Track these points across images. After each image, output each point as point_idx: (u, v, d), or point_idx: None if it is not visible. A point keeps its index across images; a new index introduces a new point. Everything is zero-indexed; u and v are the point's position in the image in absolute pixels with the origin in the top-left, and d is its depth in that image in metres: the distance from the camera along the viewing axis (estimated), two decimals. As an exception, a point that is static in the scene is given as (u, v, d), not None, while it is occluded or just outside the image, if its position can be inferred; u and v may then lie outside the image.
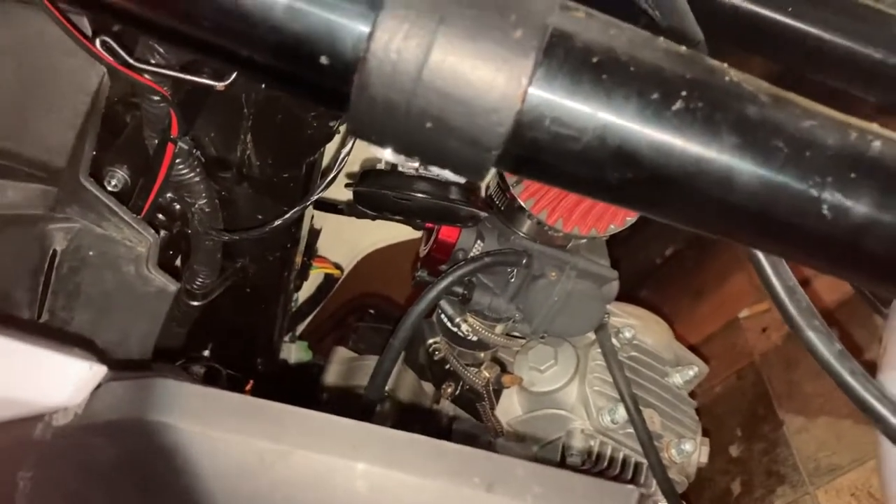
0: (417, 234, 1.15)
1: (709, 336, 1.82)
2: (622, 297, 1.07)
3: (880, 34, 0.81)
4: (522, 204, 0.91)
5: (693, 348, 1.59)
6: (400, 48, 0.37)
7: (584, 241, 0.98)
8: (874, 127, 0.42)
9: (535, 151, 0.39)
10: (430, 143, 0.39)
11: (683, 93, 0.38)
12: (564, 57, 0.38)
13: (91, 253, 0.67)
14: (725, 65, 0.40)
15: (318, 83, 0.40)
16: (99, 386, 0.44)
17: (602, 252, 1.03)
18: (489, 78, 0.37)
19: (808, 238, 0.41)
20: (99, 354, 0.49)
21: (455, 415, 1.20)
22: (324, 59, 0.38)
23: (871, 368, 0.85)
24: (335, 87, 0.39)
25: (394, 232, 1.28)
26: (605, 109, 0.38)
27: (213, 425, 0.45)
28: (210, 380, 1.02)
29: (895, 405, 0.62)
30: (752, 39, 0.85)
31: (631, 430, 1.06)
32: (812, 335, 0.63)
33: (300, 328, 1.43)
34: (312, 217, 1.17)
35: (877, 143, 0.40)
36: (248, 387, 1.08)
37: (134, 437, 0.43)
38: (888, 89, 0.82)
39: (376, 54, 0.37)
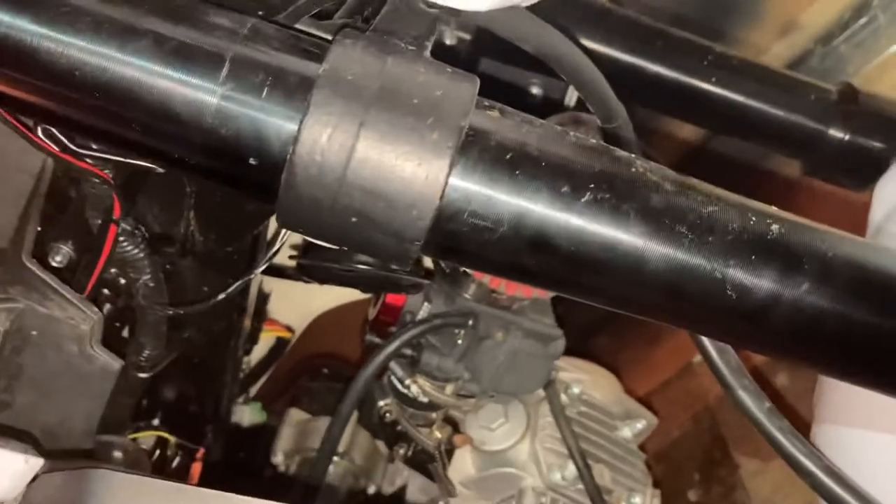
0: (367, 294, 1.17)
1: (664, 382, 1.84)
2: (579, 345, 1.08)
3: (799, 100, 0.86)
4: (465, 269, 0.93)
5: (650, 394, 1.60)
6: (324, 150, 0.39)
7: (528, 302, 1.01)
8: (773, 210, 0.45)
9: (456, 241, 0.41)
10: (356, 236, 0.41)
11: (591, 185, 0.41)
12: (479, 154, 0.40)
13: (34, 333, 0.67)
14: (632, 156, 0.43)
15: (248, 180, 0.42)
16: (35, 477, 0.44)
17: (546, 311, 1.05)
18: (409, 176, 0.39)
19: (716, 317, 0.43)
20: (36, 442, 0.49)
21: (409, 475, 1.20)
22: (252, 161, 0.40)
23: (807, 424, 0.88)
24: (264, 183, 0.41)
25: (344, 293, 1.29)
26: (519, 201, 0.40)
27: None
28: (158, 451, 1.01)
29: (821, 461, 0.65)
30: (679, 106, 0.89)
31: (581, 485, 1.07)
32: (742, 394, 0.65)
33: (253, 389, 1.43)
34: (262, 281, 1.18)
35: (775, 226, 0.43)
36: (200, 454, 1.08)
37: (71, 528, 0.43)
38: (809, 151, 0.87)
39: (302, 156, 0.39)
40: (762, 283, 0.42)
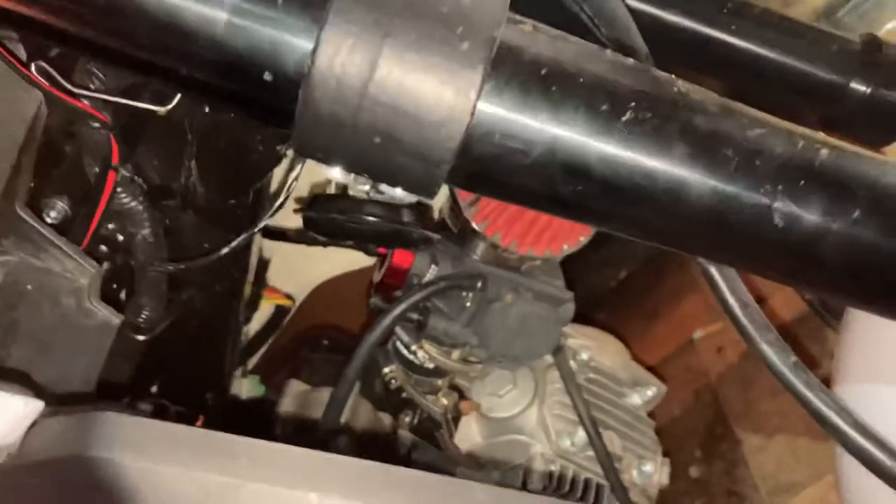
0: (371, 261, 1.14)
1: (665, 358, 1.83)
2: (577, 319, 1.06)
3: (820, 52, 0.83)
4: (476, 227, 0.90)
5: (650, 370, 1.59)
6: (345, 63, 0.36)
7: (539, 262, 0.98)
8: (820, 136, 0.42)
9: (486, 166, 0.39)
10: (379, 159, 0.38)
11: (632, 104, 0.38)
12: (513, 70, 0.37)
13: (29, 287, 0.64)
14: (673, 76, 0.40)
15: (263, 100, 0.39)
16: (35, 423, 0.42)
17: (557, 273, 1.02)
18: (437, 92, 0.36)
19: (760, 247, 0.41)
20: (36, 390, 0.46)
21: (414, 444, 1.18)
22: (267, 76, 0.37)
23: (826, 383, 0.86)
24: (280, 103, 0.38)
25: (346, 260, 1.26)
26: (554, 122, 0.38)
27: (159, 459, 0.43)
28: (158, 417, 0.98)
29: (850, 416, 0.62)
30: (697, 58, 0.86)
31: (591, 452, 1.05)
32: (767, 348, 0.62)
33: (252, 362, 1.40)
34: (262, 247, 1.15)
35: (824, 151, 0.40)
36: (199, 423, 1.05)
37: (74, 475, 0.41)
38: (829, 105, 0.84)
39: (320, 70, 0.36)
40: (811, 211, 0.39)
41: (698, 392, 1.74)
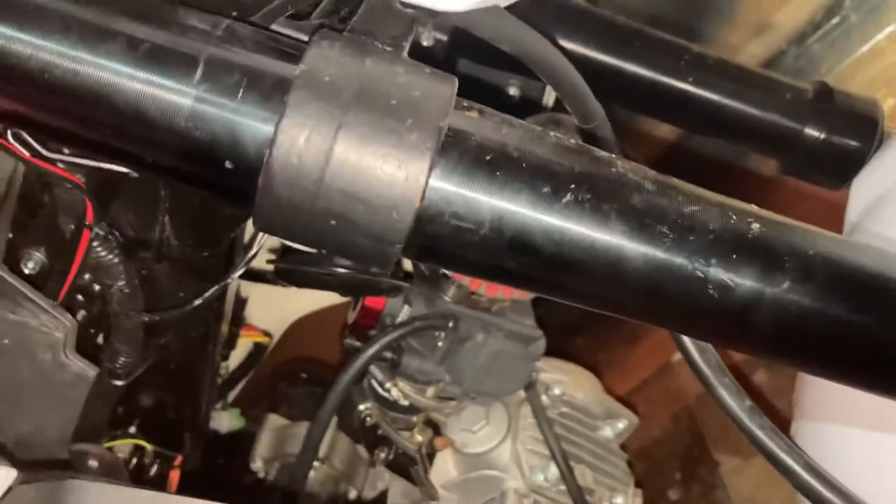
0: (346, 298, 1.16)
1: (644, 381, 1.85)
2: (558, 346, 1.08)
3: (775, 100, 0.86)
4: (445, 271, 0.93)
5: (630, 393, 1.61)
6: (301, 152, 0.38)
7: (508, 303, 1.00)
8: (754, 208, 0.45)
9: (437, 243, 0.41)
10: (336, 240, 0.40)
11: (572, 185, 0.40)
12: (459, 156, 0.40)
13: (5, 341, 0.66)
14: (613, 155, 0.43)
15: (224, 184, 0.41)
16: (9, 490, 0.43)
17: (527, 312, 1.05)
18: (388, 178, 0.38)
19: (697, 316, 0.43)
20: (10, 453, 0.48)
21: (390, 479, 1.19)
22: (228, 164, 0.39)
23: (787, 420, 0.89)
24: (241, 187, 0.40)
25: (322, 297, 1.29)
26: (500, 202, 0.40)
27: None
28: (135, 458, 1.00)
29: (801, 458, 0.65)
30: (656, 106, 0.89)
31: (564, 486, 1.07)
32: (723, 392, 0.65)
33: (232, 395, 1.42)
34: (239, 286, 1.17)
35: (756, 225, 0.43)
36: (178, 462, 1.06)
37: (46, 541, 0.42)
38: (785, 150, 0.87)
39: (278, 159, 0.38)
40: (743, 281, 0.42)
41: (676, 415, 1.76)
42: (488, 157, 0.40)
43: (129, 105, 0.39)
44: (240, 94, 0.39)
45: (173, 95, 0.39)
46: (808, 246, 0.43)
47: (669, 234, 0.41)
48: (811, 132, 0.85)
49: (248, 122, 0.39)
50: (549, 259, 0.41)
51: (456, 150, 0.40)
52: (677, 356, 1.88)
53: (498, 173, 0.40)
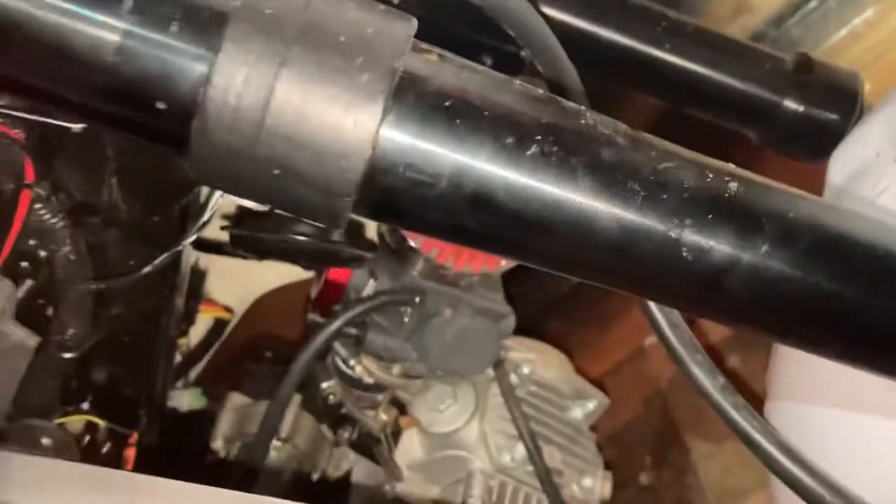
0: (312, 273, 1.12)
1: (617, 364, 1.84)
2: (530, 328, 1.06)
3: (754, 71, 0.84)
4: (412, 243, 0.90)
5: (602, 377, 1.59)
6: (240, 92, 0.35)
7: (477, 278, 0.97)
8: (731, 167, 0.42)
9: (391, 198, 0.38)
10: (280, 191, 0.37)
11: (538, 137, 0.37)
12: (415, 101, 0.36)
13: (-59, 309, 0.62)
14: (582, 107, 0.40)
15: (157, 128, 0.37)
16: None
17: (497, 288, 1.02)
18: (336, 123, 0.35)
19: (669, 281, 0.40)
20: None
21: (355, 459, 1.16)
22: (160, 104, 0.36)
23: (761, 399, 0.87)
24: (175, 132, 0.36)
25: (287, 272, 1.25)
26: (460, 154, 0.37)
27: (57, 499, 0.41)
28: (89, 435, 0.96)
29: (774, 437, 0.63)
30: (631, 74, 0.86)
31: (531, 467, 1.05)
32: (696, 369, 0.63)
33: (193, 374, 1.38)
34: (197, 259, 1.12)
35: (734, 185, 0.40)
36: (132, 439, 1.03)
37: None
38: (764, 122, 0.85)
39: (215, 99, 0.35)
40: (719, 244, 0.39)
41: (648, 399, 1.75)
42: (447, 104, 0.37)
43: (50, 39, 0.35)
44: (172, 28, 0.35)
45: (99, 29, 0.35)
46: (789, 208, 0.41)
47: (641, 192, 0.38)
48: (790, 104, 0.82)
49: (181, 58, 0.35)
50: (513, 217, 0.38)
51: (412, 95, 0.36)
52: (651, 340, 1.87)
53: (458, 122, 0.37)
